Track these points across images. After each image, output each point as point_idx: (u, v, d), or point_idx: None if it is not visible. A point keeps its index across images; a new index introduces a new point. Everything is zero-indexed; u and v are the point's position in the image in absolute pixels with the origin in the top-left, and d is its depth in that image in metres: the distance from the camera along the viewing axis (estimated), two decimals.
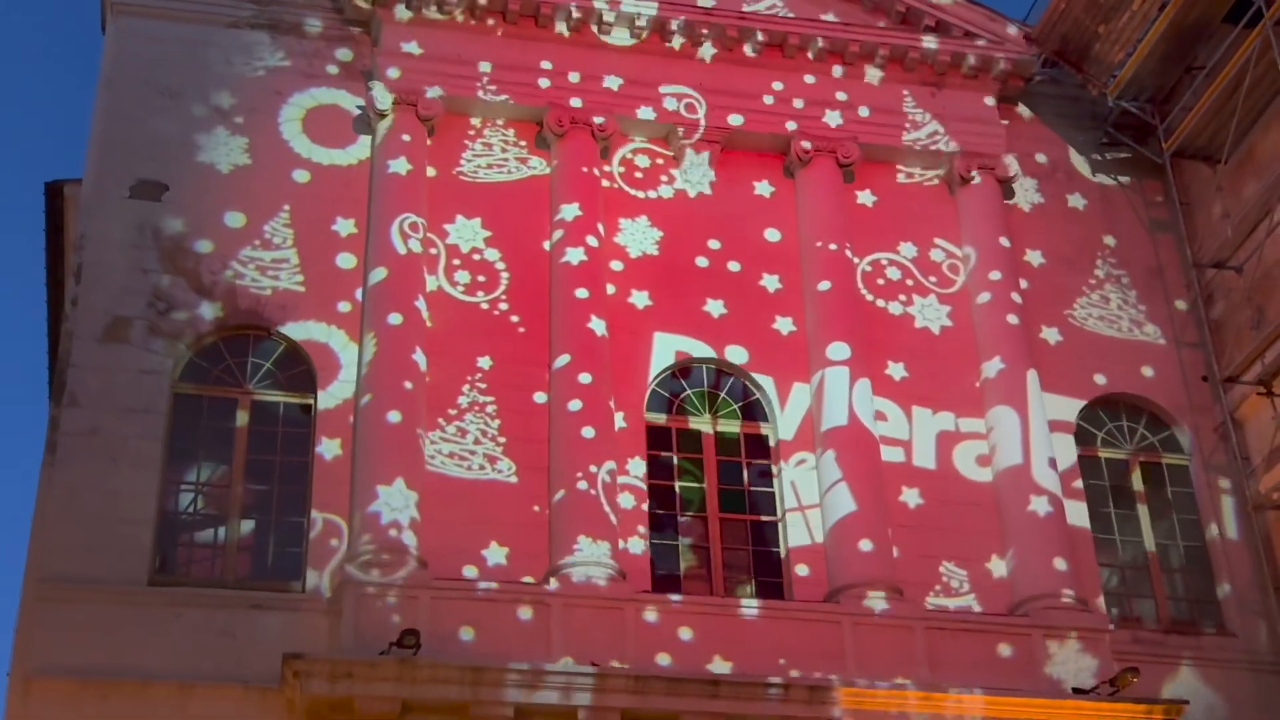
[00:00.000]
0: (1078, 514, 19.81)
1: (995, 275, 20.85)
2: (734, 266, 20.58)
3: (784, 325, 20.32)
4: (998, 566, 19.24)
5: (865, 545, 18.62)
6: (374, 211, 19.65)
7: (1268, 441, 19.88)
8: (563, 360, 19.12)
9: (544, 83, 20.93)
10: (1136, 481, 20.63)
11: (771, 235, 20.92)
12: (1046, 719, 17.63)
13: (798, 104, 21.59)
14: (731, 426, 19.71)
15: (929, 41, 22.14)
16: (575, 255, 19.74)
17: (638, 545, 18.48)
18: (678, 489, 19.21)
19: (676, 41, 21.60)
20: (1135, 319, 21.61)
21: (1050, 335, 21.13)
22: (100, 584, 17.01)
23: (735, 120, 21.23)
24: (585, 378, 18.96)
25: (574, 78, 21.03)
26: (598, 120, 20.68)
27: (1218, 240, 21.29)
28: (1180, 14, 20.93)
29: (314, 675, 16.27)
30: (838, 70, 21.98)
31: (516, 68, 20.96)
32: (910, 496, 19.50)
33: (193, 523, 18.10)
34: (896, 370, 20.26)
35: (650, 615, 17.71)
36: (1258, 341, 20.08)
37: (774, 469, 19.50)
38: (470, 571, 17.86)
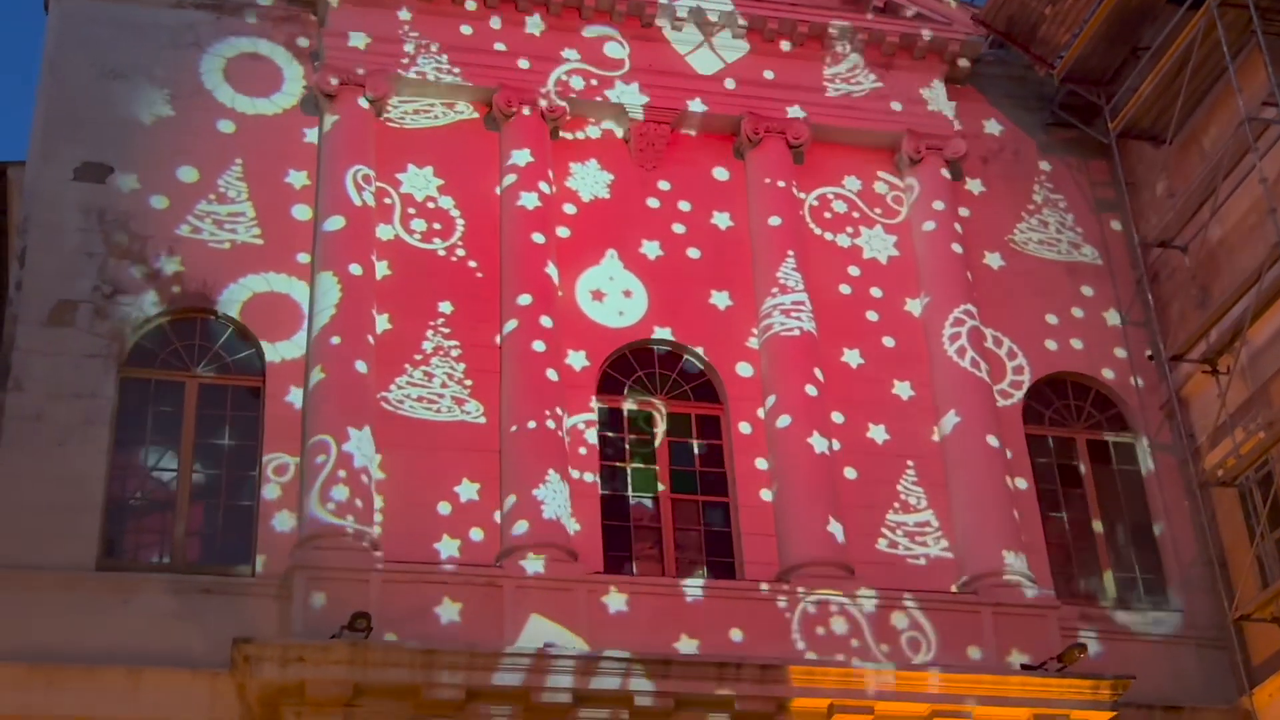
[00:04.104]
0: (1025, 492, 19.98)
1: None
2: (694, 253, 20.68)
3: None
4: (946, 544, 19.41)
5: (814, 526, 18.68)
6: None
7: (1212, 419, 20.06)
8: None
9: (494, 62, 20.83)
10: (1083, 459, 20.83)
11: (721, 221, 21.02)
12: (995, 695, 17.76)
13: (747, 84, 21.60)
14: (683, 408, 19.78)
15: (878, 22, 22.17)
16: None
17: (590, 526, 18.50)
18: (629, 470, 19.26)
19: (629, 21, 21.55)
20: (1082, 297, 21.76)
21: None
22: (48, 569, 16.88)
23: (685, 101, 21.20)
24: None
25: (525, 62, 20.93)
26: (543, 104, 20.61)
27: (1163, 220, 21.44)
28: None
29: (265, 659, 16.21)
30: (785, 48, 21.97)
31: (466, 48, 20.85)
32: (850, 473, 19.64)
33: (141, 507, 17.97)
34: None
35: (602, 596, 17.74)
36: (1202, 320, 20.26)
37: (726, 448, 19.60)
38: (421, 554, 17.82)
